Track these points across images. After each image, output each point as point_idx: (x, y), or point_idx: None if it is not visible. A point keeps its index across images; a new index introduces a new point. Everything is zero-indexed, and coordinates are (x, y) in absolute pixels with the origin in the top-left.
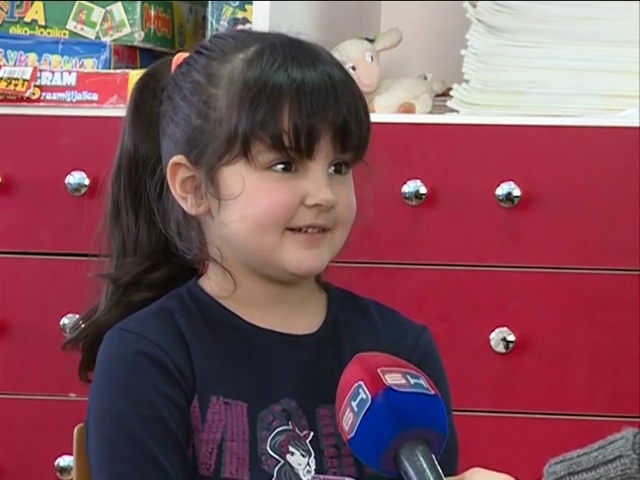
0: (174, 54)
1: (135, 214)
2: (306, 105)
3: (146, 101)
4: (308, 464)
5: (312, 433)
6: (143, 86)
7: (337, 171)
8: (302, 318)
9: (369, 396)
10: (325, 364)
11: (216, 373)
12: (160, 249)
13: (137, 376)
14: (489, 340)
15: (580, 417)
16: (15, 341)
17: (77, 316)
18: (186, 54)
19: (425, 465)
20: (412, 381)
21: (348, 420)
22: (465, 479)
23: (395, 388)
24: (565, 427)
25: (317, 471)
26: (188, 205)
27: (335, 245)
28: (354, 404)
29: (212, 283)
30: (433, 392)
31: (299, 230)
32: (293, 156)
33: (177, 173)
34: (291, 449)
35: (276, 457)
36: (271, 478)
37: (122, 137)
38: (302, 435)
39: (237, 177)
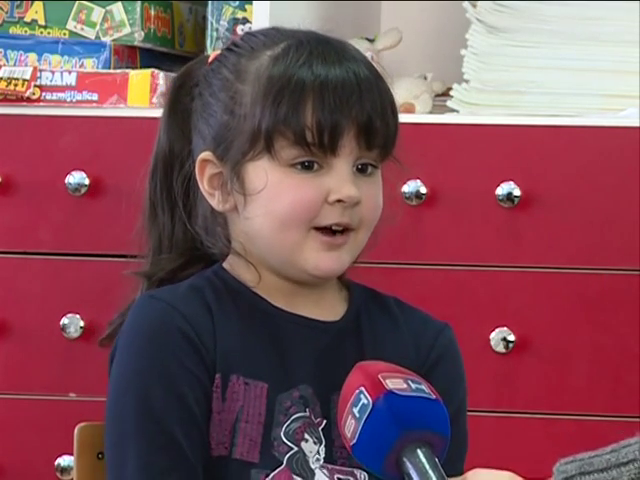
0: (174, 54)
1: (171, 212)
2: (329, 101)
3: (182, 99)
4: (318, 452)
5: (325, 421)
6: (179, 84)
7: (361, 171)
8: (324, 308)
9: (370, 401)
10: (345, 353)
11: (239, 352)
12: (195, 246)
13: (161, 349)
14: (489, 340)
15: (580, 417)
16: (15, 341)
17: (77, 316)
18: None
19: (427, 466)
20: (413, 386)
21: (350, 427)
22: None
23: (396, 392)
24: (565, 427)
25: (326, 460)
26: (215, 201)
27: (357, 246)
28: (355, 410)
29: (236, 273)
30: (435, 397)
31: (324, 229)
32: (316, 152)
33: (205, 169)
34: (306, 436)
35: (289, 444)
36: (280, 465)
37: (158, 136)
38: (316, 422)
39: (261, 173)
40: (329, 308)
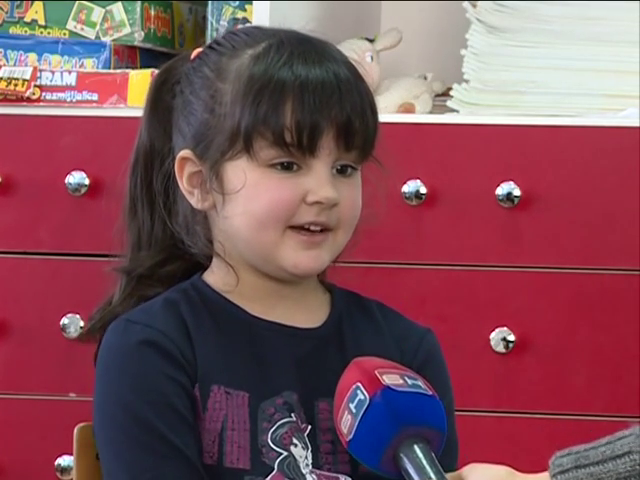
0: (174, 54)
1: (150, 208)
2: (309, 101)
3: (163, 96)
4: (306, 457)
5: (310, 427)
6: (161, 81)
7: (341, 172)
8: (305, 313)
9: (367, 396)
10: (326, 359)
11: (218, 363)
12: (174, 243)
13: (144, 364)
14: (489, 340)
15: (580, 417)
16: (15, 341)
17: (77, 316)
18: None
19: (425, 462)
20: (410, 382)
21: (347, 422)
22: (463, 475)
23: (393, 387)
24: (565, 427)
25: (314, 465)
26: (194, 200)
27: (337, 246)
28: (352, 406)
29: (216, 277)
30: (431, 393)
31: (301, 228)
32: (295, 153)
33: (184, 168)
34: (294, 441)
35: (277, 450)
36: (272, 471)
37: (139, 132)
38: (301, 428)
39: (240, 172)
40: (310, 312)
